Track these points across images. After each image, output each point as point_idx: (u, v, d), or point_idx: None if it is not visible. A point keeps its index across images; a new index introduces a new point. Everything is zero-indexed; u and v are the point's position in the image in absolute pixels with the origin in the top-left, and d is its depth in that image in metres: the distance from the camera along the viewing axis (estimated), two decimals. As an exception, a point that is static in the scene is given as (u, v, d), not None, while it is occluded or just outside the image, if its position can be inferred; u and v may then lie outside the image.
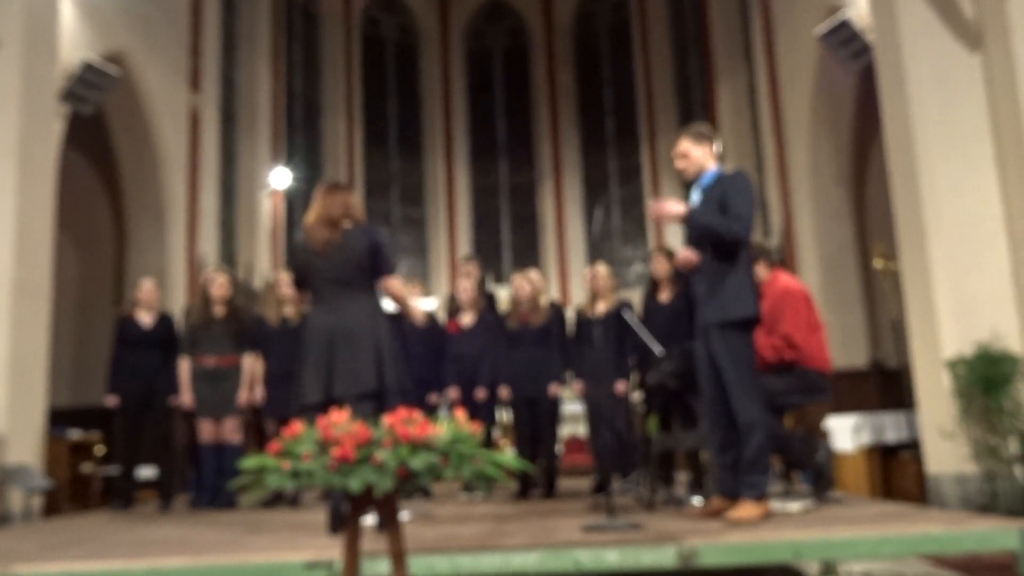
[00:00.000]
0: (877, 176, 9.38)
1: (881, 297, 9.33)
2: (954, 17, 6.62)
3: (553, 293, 14.37)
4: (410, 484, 2.40)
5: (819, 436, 7.24)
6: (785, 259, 10.38)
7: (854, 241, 10.00)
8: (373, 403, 3.86)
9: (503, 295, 8.18)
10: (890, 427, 7.21)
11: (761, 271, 4.77)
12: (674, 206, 3.96)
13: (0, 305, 6.64)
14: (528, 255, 16.09)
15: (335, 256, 3.99)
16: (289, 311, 6.19)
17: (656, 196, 15.35)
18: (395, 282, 4.14)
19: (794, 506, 4.16)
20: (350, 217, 4.08)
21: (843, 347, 9.19)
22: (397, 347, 4.09)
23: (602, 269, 6.04)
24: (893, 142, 6.88)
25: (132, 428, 6.16)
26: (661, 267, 5.72)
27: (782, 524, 3.50)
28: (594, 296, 5.97)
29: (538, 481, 6.07)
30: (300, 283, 4.18)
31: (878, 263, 7.42)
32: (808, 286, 5.37)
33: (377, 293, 4.10)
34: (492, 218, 17.00)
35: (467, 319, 6.32)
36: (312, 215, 4.11)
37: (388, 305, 4.27)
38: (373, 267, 4.04)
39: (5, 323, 6.62)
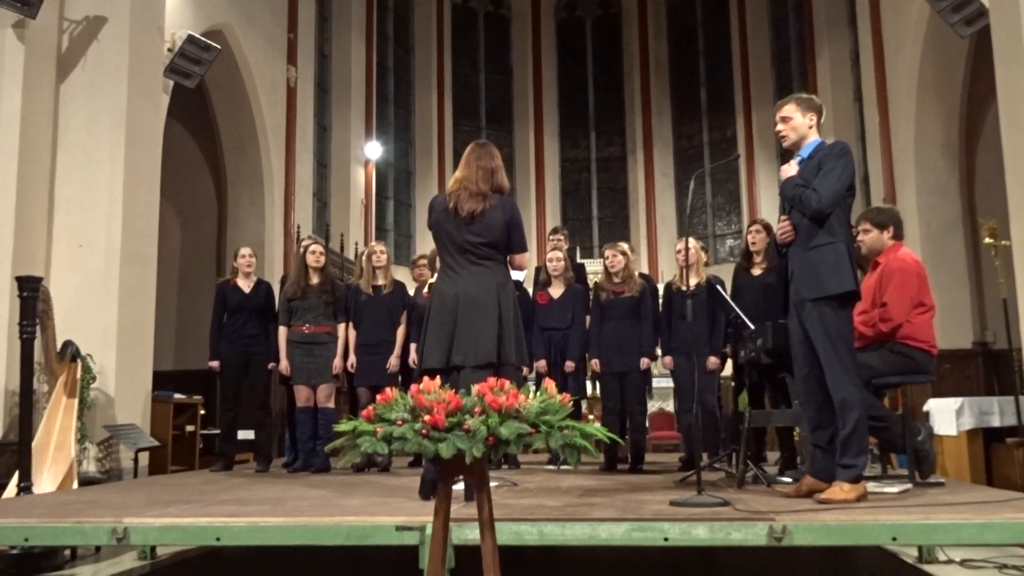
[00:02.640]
0: (988, 148, 8.95)
1: (990, 275, 8.92)
2: (1079, -23, 6.21)
3: (642, 267, 14.24)
4: (499, 452, 2.42)
5: (919, 417, 7.01)
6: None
7: (962, 216, 9.57)
8: (490, 374, 3.85)
9: (592, 269, 8.14)
10: (995, 411, 6.92)
11: (886, 239, 4.60)
12: (790, 167, 3.89)
13: (111, 273, 6.97)
14: (617, 229, 15.97)
15: (473, 226, 3.97)
16: (381, 281, 6.30)
17: (751, 169, 14.99)
18: (525, 259, 4.15)
19: (891, 489, 4.05)
20: (498, 189, 4.05)
21: (947, 327, 8.84)
22: (520, 322, 4.08)
23: (693, 243, 5.95)
24: (1007, 113, 6.53)
25: (233, 392, 6.40)
26: (758, 239, 5.60)
27: (879, 506, 3.41)
28: (685, 270, 5.89)
29: (626, 455, 6.06)
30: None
31: (988, 240, 7.08)
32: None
33: (504, 265, 4.10)
34: (581, 191, 16.91)
35: (556, 291, 6.33)
36: (456, 180, 4.07)
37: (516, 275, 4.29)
38: (506, 241, 4.04)
39: (115, 290, 6.95)
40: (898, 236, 4.65)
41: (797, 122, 3.94)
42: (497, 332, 3.93)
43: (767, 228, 5.61)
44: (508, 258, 4.10)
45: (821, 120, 4.00)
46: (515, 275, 4.87)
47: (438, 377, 2.61)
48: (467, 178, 4.03)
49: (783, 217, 3.95)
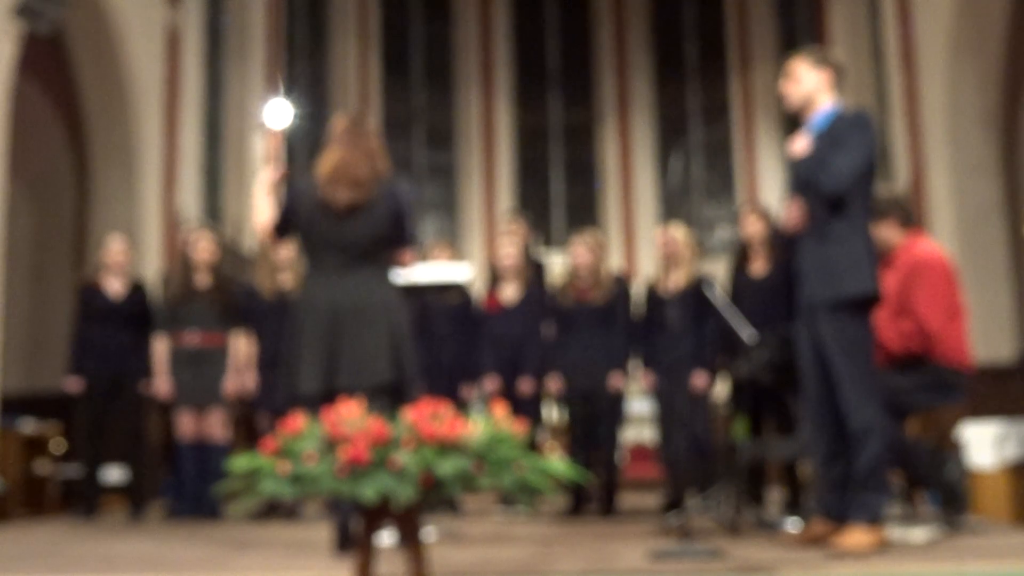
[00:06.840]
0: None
1: (1036, 273, 9.15)
2: None
3: (616, 262, 14.33)
4: (436, 495, 2.42)
5: (951, 447, 7.16)
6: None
7: (1002, 201, 9.76)
8: (390, 399, 3.88)
9: (554, 264, 8.17)
10: (1043, 438, 7.09)
11: (892, 233, 4.65)
12: (801, 144, 3.93)
13: (-61, 267, 6.81)
14: (585, 214, 16.01)
15: (353, 221, 4.00)
16: (287, 280, 6.26)
17: (748, 139, 15.17)
18: (411, 257, 4.19)
19: (917, 533, 4.13)
20: (378, 174, 4.07)
21: (984, 335, 9.03)
22: (407, 329, 4.12)
23: (679, 233, 6.00)
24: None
25: (97, 420, 6.30)
26: (753, 229, 5.66)
27: (901, 555, 3.49)
28: (668, 267, 5.94)
29: (594, 495, 6.09)
30: (284, 227, 4.16)
31: (1033, 229, 7.26)
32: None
33: (388, 264, 4.12)
34: (540, 167, 16.92)
35: (509, 293, 6.33)
36: (329, 164, 4.07)
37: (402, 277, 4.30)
38: (396, 236, 4.07)
39: (-55, 289, 6.80)
40: (906, 224, 4.71)
41: (806, 81, 3.99)
42: (391, 344, 3.96)
43: (763, 215, 5.67)
44: (395, 254, 4.13)
45: (838, 78, 4.05)
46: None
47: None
48: (346, 163, 4.03)
49: (791, 202, 4.01)
